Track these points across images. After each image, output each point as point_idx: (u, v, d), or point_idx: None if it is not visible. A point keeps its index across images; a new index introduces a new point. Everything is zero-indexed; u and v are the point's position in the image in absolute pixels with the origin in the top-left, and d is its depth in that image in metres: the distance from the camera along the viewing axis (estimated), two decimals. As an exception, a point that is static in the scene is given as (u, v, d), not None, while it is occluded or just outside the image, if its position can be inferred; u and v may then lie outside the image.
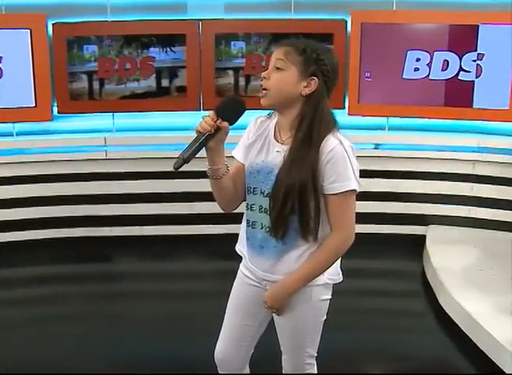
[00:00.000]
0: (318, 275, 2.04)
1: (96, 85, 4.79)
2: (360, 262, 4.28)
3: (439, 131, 4.95)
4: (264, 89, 1.96)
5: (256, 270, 2.11)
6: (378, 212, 4.87)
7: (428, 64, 4.74)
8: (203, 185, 4.64)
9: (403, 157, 4.86)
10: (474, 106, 4.79)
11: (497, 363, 3.18)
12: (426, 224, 4.93)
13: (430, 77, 4.77)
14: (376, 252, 4.69)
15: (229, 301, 2.26)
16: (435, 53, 4.73)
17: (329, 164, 1.93)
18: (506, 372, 3.11)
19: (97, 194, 4.82)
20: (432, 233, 4.79)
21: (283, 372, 2.28)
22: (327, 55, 1.98)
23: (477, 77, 4.74)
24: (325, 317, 2.18)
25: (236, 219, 4.64)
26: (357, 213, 2.03)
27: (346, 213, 2.00)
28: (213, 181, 2.02)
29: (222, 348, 2.27)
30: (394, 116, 4.91)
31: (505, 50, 4.63)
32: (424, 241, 4.67)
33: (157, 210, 4.91)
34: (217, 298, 3.88)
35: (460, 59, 4.73)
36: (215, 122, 1.89)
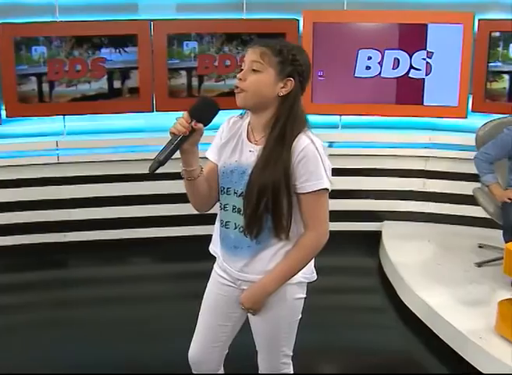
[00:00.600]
0: (295, 274, 2.06)
1: (46, 87, 4.65)
2: (317, 260, 4.31)
3: (392, 128, 5.02)
4: (240, 90, 1.95)
5: (231, 270, 2.11)
6: (332, 210, 4.88)
7: (379, 62, 4.81)
8: (157, 188, 4.70)
9: (357, 154, 4.93)
10: (424, 103, 4.89)
11: (460, 353, 3.28)
12: (381, 220, 5.00)
13: (381, 75, 4.84)
14: (332, 250, 4.68)
15: (203, 302, 2.26)
16: (385, 52, 4.80)
17: (301, 163, 1.94)
18: (468, 360, 3.20)
19: (50, 199, 4.69)
20: (387, 229, 4.87)
21: (259, 372, 2.27)
22: (302, 55, 2.00)
23: (427, 75, 4.84)
24: (300, 316, 2.21)
25: (188, 221, 4.65)
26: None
27: (319, 212, 2.02)
28: (187, 183, 2.01)
29: (197, 349, 2.25)
30: (347, 115, 4.96)
31: (453, 48, 4.73)
32: (380, 237, 4.74)
33: (112, 214, 4.82)
34: (172, 301, 3.92)
35: (411, 58, 4.81)
36: (190, 123, 1.87)
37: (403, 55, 4.81)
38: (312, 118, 5.34)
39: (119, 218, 4.83)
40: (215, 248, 2.20)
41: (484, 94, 4.82)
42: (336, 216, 4.88)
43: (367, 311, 4.01)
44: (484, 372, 3.08)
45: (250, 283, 2.08)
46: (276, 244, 2.03)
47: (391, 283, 4.18)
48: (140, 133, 4.93)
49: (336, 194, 5.14)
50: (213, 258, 4.68)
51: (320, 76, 4.84)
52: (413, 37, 4.77)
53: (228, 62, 4.82)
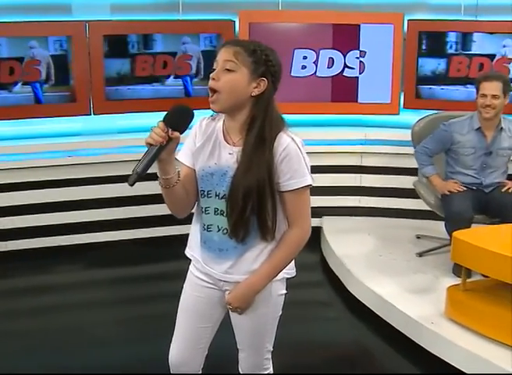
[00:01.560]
0: (281, 271, 2.08)
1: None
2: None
3: (328, 126, 5.14)
4: (214, 91, 1.95)
5: (214, 273, 2.11)
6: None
7: (314, 62, 4.92)
8: (87, 193, 4.60)
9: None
10: (359, 101, 5.04)
11: (414, 339, 3.39)
12: (319, 216, 5.09)
13: (317, 74, 4.95)
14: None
15: (181, 306, 2.24)
16: (320, 51, 4.92)
17: (284, 162, 1.96)
18: (423, 345, 3.32)
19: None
20: (327, 224, 4.97)
21: (241, 370, 2.29)
22: (274, 55, 2.03)
23: (360, 74, 4.99)
24: (281, 312, 2.23)
25: (112, 226, 4.61)
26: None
27: (302, 208, 2.04)
28: (165, 191, 1.99)
29: (178, 352, 2.24)
30: (284, 113, 5.01)
31: (385, 47, 4.91)
32: (320, 233, 4.84)
33: (46, 221, 4.70)
34: (97, 308, 3.86)
35: (345, 57, 4.95)
36: (166, 133, 1.84)
37: (337, 55, 4.94)
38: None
39: (51, 225, 4.70)
40: (192, 251, 2.18)
41: (415, 92, 5.04)
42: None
43: (315, 305, 4.09)
44: (438, 355, 3.21)
45: (234, 283, 2.09)
46: (262, 244, 2.04)
47: (337, 276, 4.28)
48: (76, 137, 4.82)
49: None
50: (151, 263, 4.64)
51: (257, 76, 4.88)
52: (346, 37, 4.91)
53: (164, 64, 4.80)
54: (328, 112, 5.06)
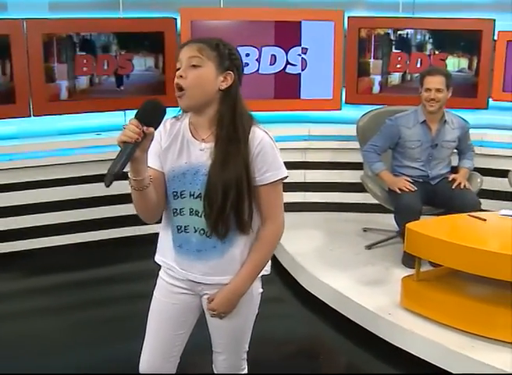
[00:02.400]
0: (262, 269, 2.07)
1: None
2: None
3: (271, 123, 5.15)
4: (181, 89, 1.92)
5: (193, 276, 2.06)
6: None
7: (257, 59, 4.93)
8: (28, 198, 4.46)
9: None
10: (301, 97, 5.09)
11: (372, 331, 3.44)
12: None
13: (259, 72, 4.97)
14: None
15: (152, 314, 2.18)
16: (262, 48, 4.93)
17: (260, 155, 1.95)
18: (381, 336, 3.38)
19: None
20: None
21: (217, 372, 2.25)
22: (236, 50, 2.01)
23: (302, 70, 5.04)
24: (257, 311, 2.21)
25: (55, 231, 4.49)
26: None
27: (277, 202, 2.04)
28: (137, 194, 1.91)
29: (151, 360, 2.17)
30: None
31: (326, 44, 4.98)
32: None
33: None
34: (44, 315, 3.78)
35: (287, 54, 4.98)
36: (141, 129, 1.79)
37: (279, 52, 4.97)
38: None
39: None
40: (164, 258, 2.13)
41: (356, 87, 5.13)
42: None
43: (269, 302, 3.94)
44: (398, 345, 3.28)
45: (215, 286, 2.05)
46: (241, 240, 2.02)
47: (289, 272, 4.30)
48: (14, 140, 4.65)
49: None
50: (98, 267, 4.52)
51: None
52: (288, 34, 4.94)
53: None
54: (272, 109, 5.07)
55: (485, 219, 3.48)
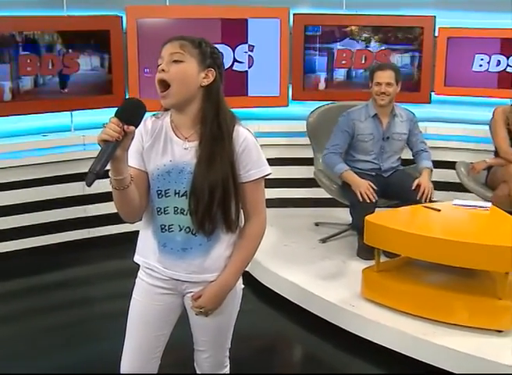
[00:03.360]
0: (248, 265, 2.08)
1: None
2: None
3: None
4: (164, 84, 1.91)
5: (178, 275, 2.04)
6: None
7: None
8: None
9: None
10: (249, 94, 5.11)
11: (337, 324, 3.48)
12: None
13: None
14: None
15: (132, 316, 2.14)
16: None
17: (244, 153, 1.96)
18: (345, 328, 3.43)
19: None
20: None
21: (201, 370, 2.23)
22: (218, 50, 2.02)
23: (249, 67, 5.05)
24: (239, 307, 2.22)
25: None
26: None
27: (261, 198, 2.05)
28: (118, 193, 1.88)
29: (133, 363, 2.13)
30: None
31: (272, 41, 5.01)
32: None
33: None
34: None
35: (234, 51, 4.99)
36: (121, 127, 1.76)
37: (226, 49, 4.96)
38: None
39: None
40: (145, 258, 2.09)
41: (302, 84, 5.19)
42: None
43: None
44: (362, 335, 3.34)
45: (200, 283, 2.04)
46: (226, 237, 2.02)
47: (245, 269, 4.30)
48: None
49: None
50: (47, 272, 4.37)
51: (146, 73, 4.81)
52: (235, 32, 4.95)
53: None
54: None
55: (439, 210, 3.59)
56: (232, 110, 2.02)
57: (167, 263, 2.04)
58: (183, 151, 1.96)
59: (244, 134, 1.97)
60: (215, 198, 1.91)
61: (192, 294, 2.06)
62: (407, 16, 5.11)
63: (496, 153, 4.36)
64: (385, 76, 4.08)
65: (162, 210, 1.99)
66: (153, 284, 2.08)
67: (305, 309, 3.67)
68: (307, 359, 3.43)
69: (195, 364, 2.26)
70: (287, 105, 5.20)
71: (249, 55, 5.02)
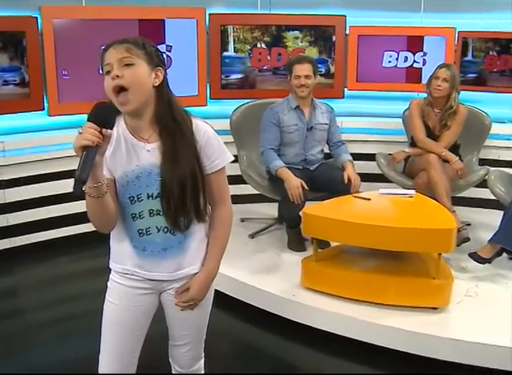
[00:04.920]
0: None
1: None
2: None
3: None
4: (121, 90, 1.88)
5: (160, 275, 2.06)
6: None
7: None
8: None
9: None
10: (168, 95, 5.09)
11: (280, 314, 3.58)
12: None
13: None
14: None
15: (110, 320, 2.13)
16: (127, 47, 4.86)
17: (208, 145, 2.00)
18: (289, 317, 3.52)
19: None
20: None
21: (179, 366, 2.26)
22: (158, 47, 2.05)
23: (168, 68, 5.00)
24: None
25: None
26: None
27: (226, 185, 2.12)
28: (95, 201, 1.86)
29: (113, 367, 2.13)
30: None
31: (190, 41, 5.04)
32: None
33: None
34: None
35: (152, 51, 4.95)
36: (99, 131, 1.75)
37: (144, 50, 4.92)
38: (59, 119, 5.19)
39: None
40: (122, 265, 2.08)
41: (220, 83, 5.26)
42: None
43: None
44: (307, 323, 3.46)
45: (184, 278, 2.08)
46: (199, 228, 2.06)
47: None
48: None
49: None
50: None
51: (64, 74, 4.70)
52: (152, 32, 4.91)
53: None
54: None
55: (369, 199, 3.77)
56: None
57: (148, 266, 2.05)
58: (147, 154, 1.96)
59: (204, 127, 2.01)
60: (187, 194, 1.95)
61: (173, 289, 2.09)
62: (320, 15, 5.30)
63: (412, 143, 4.62)
64: (303, 69, 4.23)
65: (137, 215, 2.00)
66: (131, 286, 2.09)
67: (244, 303, 3.73)
68: (253, 352, 3.48)
69: (170, 359, 2.28)
70: (206, 105, 5.24)
71: (167, 56, 5.01)
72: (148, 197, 1.97)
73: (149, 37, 4.66)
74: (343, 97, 5.46)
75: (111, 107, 1.87)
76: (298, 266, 3.73)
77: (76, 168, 1.74)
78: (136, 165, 1.96)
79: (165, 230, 2.00)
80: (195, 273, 2.08)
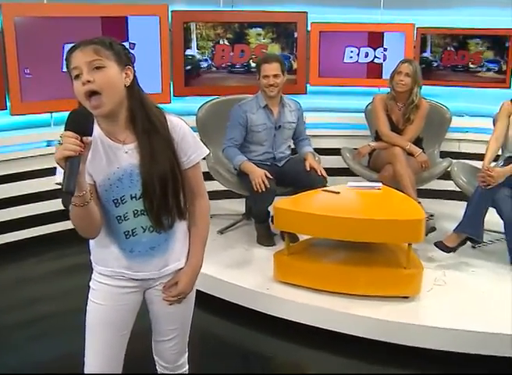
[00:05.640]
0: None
1: None
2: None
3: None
4: (93, 94, 1.85)
5: (149, 274, 2.07)
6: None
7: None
8: None
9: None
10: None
11: (255, 308, 3.61)
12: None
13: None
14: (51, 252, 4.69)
15: (96, 320, 2.11)
16: (91, 45, 4.81)
17: (183, 141, 2.01)
18: (264, 311, 3.56)
19: None
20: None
21: (165, 361, 2.27)
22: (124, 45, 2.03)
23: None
24: None
25: None
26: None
27: (202, 179, 2.13)
28: (80, 210, 1.84)
29: (100, 365, 2.12)
30: (59, 111, 4.84)
31: (153, 39, 5.02)
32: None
33: None
34: None
35: (114, 50, 4.92)
36: (80, 140, 1.72)
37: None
38: (22, 118, 5.07)
39: None
40: (109, 267, 2.06)
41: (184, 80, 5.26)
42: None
43: None
44: (280, 316, 3.50)
45: (170, 274, 2.09)
46: (181, 223, 2.07)
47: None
48: None
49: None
50: None
51: (27, 73, 4.63)
52: (115, 30, 4.87)
53: None
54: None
55: (338, 192, 3.84)
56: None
57: (136, 267, 2.06)
58: (126, 155, 1.95)
59: (178, 122, 2.01)
60: (168, 192, 1.96)
61: (160, 284, 2.11)
62: (282, 12, 5.36)
63: (377, 137, 4.72)
64: (271, 69, 4.26)
65: (122, 217, 1.99)
66: (117, 285, 2.09)
67: (214, 298, 3.73)
68: (225, 346, 3.49)
69: (154, 355, 2.29)
70: (170, 102, 5.23)
71: (131, 53, 4.98)
72: (132, 198, 1.97)
73: (112, 34, 4.81)
74: (306, 92, 5.53)
75: (86, 113, 1.82)
76: (269, 261, 3.78)
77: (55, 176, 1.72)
78: (117, 167, 1.95)
79: (151, 229, 2.01)
80: (181, 268, 2.11)
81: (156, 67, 5.12)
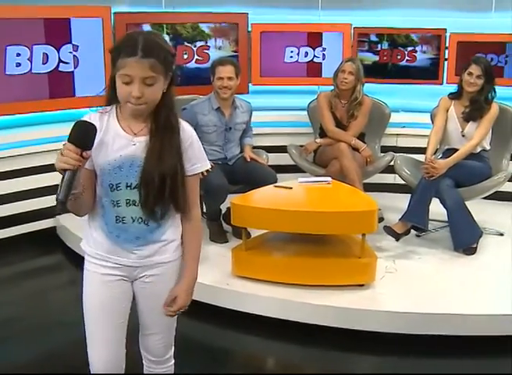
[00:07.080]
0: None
1: None
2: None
3: (49, 123, 5.01)
4: (140, 104, 1.94)
5: (132, 261, 2.12)
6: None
7: (28, 58, 4.72)
8: None
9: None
10: (76, 95, 5.03)
11: (215, 304, 3.68)
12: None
13: (32, 71, 4.75)
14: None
15: (93, 309, 2.15)
16: (34, 47, 4.73)
17: (191, 147, 2.08)
18: (225, 306, 3.64)
19: None
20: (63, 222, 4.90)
21: (153, 355, 2.31)
22: (168, 45, 2.06)
23: (75, 68, 4.98)
24: None
25: None
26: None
27: (198, 190, 2.19)
28: (73, 202, 1.93)
29: (105, 357, 2.17)
30: (1, 114, 4.75)
31: (96, 41, 5.00)
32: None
33: None
34: None
35: (58, 52, 4.87)
36: (80, 154, 1.80)
37: (51, 50, 4.82)
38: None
39: None
40: (95, 249, 2.11)
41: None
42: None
43: None
44: (242, 310, 3.60)
45: (153, 266, 2.14)
46: (174, 220, 2.13)
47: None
48: None
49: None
50: None
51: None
52: (58, 32, 4.82)
53: None
54: (48, 109, 4.93)
55: (291, 187, 3.97)
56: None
57: (122, 253, 2.11)
58: (133, 147, 2.02)
59: (189, 129, 2.10)
60: (166, 188, 2.01)
61: (145, 276, 2.16)
62: (223, 13, 5.44)
63: (322, 134, 4.88)
64: (226, 71, 4.35)
65: (115, 203, 2.06)
66: (106, 273, 2.13)
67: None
68: (187, 343, 3.54)
69: (142, 350, 2.33)
70: (115, 103, 5.22)
71: (74, 56, 4.95)
72: (127, 187, 2.03)
73: (55, 36, 4.78)
74: (248, 92, 5.63)
75: (89, 126, 1.88)
76: (224, 257, 3.87)
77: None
78: (120, 155, 2.01)
79: (139, 220, 2.06)
80: (168, 262, 2.16)
81: (100, 69, 5.08)
